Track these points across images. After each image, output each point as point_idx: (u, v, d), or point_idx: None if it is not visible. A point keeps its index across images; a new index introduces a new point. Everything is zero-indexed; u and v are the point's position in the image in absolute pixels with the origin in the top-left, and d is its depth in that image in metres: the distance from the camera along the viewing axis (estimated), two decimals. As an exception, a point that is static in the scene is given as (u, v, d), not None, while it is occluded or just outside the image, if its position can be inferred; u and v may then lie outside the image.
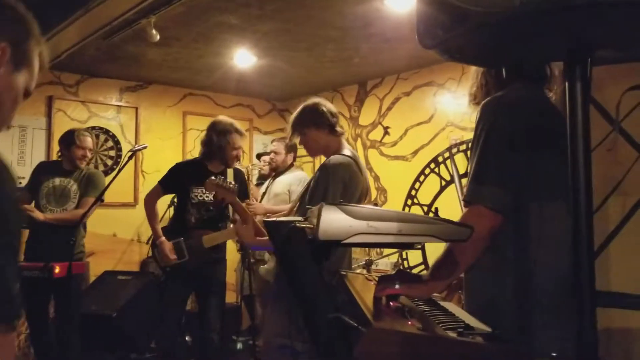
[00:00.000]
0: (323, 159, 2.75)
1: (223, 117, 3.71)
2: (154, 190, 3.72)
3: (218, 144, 3.58)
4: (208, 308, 3.61)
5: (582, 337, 0.96)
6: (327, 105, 2.78)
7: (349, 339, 1.24)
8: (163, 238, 3.58)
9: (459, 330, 1.25)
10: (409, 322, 1.23)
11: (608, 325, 1.68)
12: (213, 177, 3.30)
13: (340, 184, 2.49)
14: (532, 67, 1.62)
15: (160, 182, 3.72)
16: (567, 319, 1.48)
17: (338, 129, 2.74)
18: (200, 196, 3.60)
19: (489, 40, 0.93)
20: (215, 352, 3.58)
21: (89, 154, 3.97)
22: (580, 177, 0.92)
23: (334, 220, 1.17)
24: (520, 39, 0.93)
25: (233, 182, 3.38)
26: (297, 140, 2.84)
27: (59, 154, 4.22)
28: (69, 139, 3.92)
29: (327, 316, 1.29)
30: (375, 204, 5.18)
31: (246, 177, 4.04)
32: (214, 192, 3.40)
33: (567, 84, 0.92)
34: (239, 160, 3.72)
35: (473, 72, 1.75)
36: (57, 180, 3.91)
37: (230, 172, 3.73)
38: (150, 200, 3.71)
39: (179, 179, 3.65)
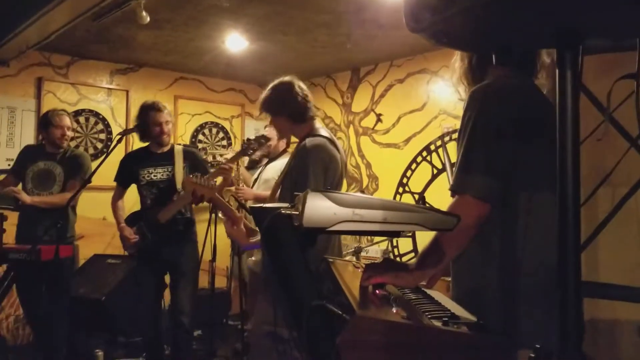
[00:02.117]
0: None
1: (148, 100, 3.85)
2: (115, 191, 3.86)
3: (141, 124, 3.69)
4: (177, 291, 3.63)
5: (566, 328, 0.95)
6: (300, 88, 2.67)
7: (333, 327, 1.23)
8: (123, 224, 3.67)
9: (444, 319, 1.24)
10: (394, 311, 1.22)
11: (595, 316, 1.68)
12: (191, 175, 3.20)
13: (320, 166, 2.45)
14: (521, 55, 1.60)
15: (115, 179, 3.86)
16: (553, 310, 1.48)
17: (310, 114, 2.66)
18: (147, 176, 3.69)
19: (478, 24, 0.91)
20: (185, 336, 3.61)
21: (68, 133, 3.94)
22: (568, 167, 0.90)
23: (318, 207, 1.15)
24: (510, 23, 0.90)
25: (213, 180, 3.27)
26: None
27: (40, 138, 4.17)
28: (46, 121, 3.90)
29: (312, 304, 1.28)
30: (362, 191, 5.18)
31: (202, 156, 4.05)
32: (192, 190, 3.26)
33: (557, 71, 0.90)
34: (167, 135, 3.71)
35: (459, 58, 1.72)
36: (41, 164, 3.89)
37: (178, 150, 3.76)
38: (113, 202, 3.84)
39: (128, 168, 3.78)
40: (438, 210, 1.18)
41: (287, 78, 2.71)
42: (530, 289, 1.48)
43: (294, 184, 2.48)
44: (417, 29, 0.93)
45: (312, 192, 1.15)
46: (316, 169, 2.43)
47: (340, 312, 1.21)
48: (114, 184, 5.46)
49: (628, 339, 1.63)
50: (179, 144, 3.99)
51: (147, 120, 3.67)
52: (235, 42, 4.75)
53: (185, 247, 3.67)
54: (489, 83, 1.56)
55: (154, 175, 3.69)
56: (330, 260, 1.88)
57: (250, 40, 4.72)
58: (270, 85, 2.69)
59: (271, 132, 4.43)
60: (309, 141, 2.52)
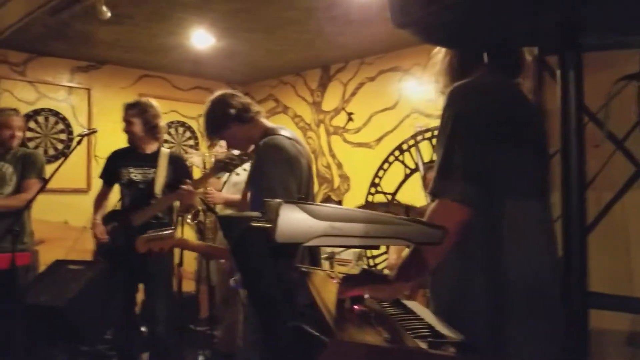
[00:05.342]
0: None
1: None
2: (100, 190, 3.76)
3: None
4: (151, 300, 3.51)
5: (573, 341, 0.88)
6: (231, 93, 2.62)
7: (311, 349, 1.13)
8: (97, 221, 3.56)
9: (430, 340, 1.15)
10: (376, 331, 1.12)
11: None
12: (144, 235, 2.93)
13: (279, 165, 2.31)
14: (506, 54, 1.52)
15: (100, 175, 3.75)
16: (540, 320, 1.41)
17: (255, 109, 2.57)
18: (128, 175, 3.57)
19: (471, 19, 0.82)
20: (161, 344, 3.48)
21: (18, 134, 3.75)
22: (573, 174, 0.81)
23: (293, 220, 1.04)
24: (506, 19, 0.81)
25: (167, 229, 3.04)
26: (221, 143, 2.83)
27: None
28: None
29: (287, 324, 1.17)
30: (329, 197, 5.07)
31: (202, 163, 3.89)
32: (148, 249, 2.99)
33: (559, 72, 0.81)
34: (129, 133, 3.59)
35: (441, 56, 1.63)
36: None
37: (164, 153, 3.63)
38: (97, 199, 3.75)
39: (111, 165, 3.67)
40: (424, 223, 1.09)
41: (215, 93, 2.65)
42: (516, 300, 1.41)
43: (258, 189, 2.36)
44: (405, 24, 0.83)
45: (285, 204, 1.05)
46: (277, 169, 2.30)
47: (318, 334, 1.11)
48: (76, 186, 5.34)
49: (617, 349, 1.57)
50: (167, 148, 3.84)
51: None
52: (201, 38, 4.61)
53: (161, 255, 3.48)
54: (470, 81, 1.46)
55: (135, 176, 3.56)
56: (304, 270, 1.78)
57: (216, 37, 4.59)
58: (205, 110, 2.63)
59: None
60: (263, 142, 2.39)
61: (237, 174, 3.99)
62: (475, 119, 1.41)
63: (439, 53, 1.60)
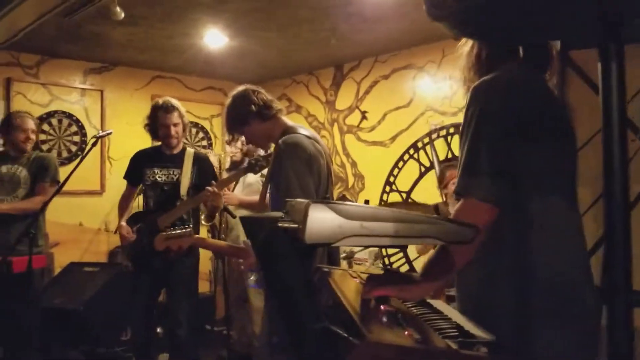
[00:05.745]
0: None
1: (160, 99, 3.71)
2: (125, 191, 3.70)
3: (151, 124, 3.57)
4: (173, 302, 3.47)
5: (617, 340, 0.85)
6: (253, 89, 2.59)
7: (338, 351, 1.11)
8: (123, 223, 3.50)
9: (460, 340, 1.13)
10: (405, 332, 1.10)
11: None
12: (162, 233, 3.03)
13: (300, 164, 2.28)
14: (534, 48, 1.48)
15: (124, 176, 3.70)
16: (569, 320, 1.38)
17: (277, 107, 2.56)
18: (152, 177, 3.53)
19: (511, 12, 0.79)
20: (181, 347, 3.45)
21: (32, 136, 3.78)
22: (616, 169, 0.79)
23: (322, 220, 1.02)
24: (548, 12, 0.79)
25: (186, 226, 3.13)
26: (242, 138, 2.84)
27: (2, 142, 3.98)
28: (9, 123, 3.74)
29: (315, 326, 1.15)
30: (367, 201, 5.04)
31: (217, 164, 3.86)
32: (166, 247, 3.11)
33: (600, 64, 0.79)
34: (174, 138, 3.55)
35: (467, 49, 1.59)
36: (4, 168, 3.69)
37: (189, 153, 3.61)
38: (121, 201, 3.68)
39: (135, 166, 3.62)
40: (454, 221, 1.07)
41: (237, 88, 2.64)
42: (545, 299, 1.38)
43: (276, 188, 2.33)
44: (439, 17, 0.81)
45: (314, 204, 1.03)
46: (296, 168, 2.27)
47: (347, 335, 1.09)
48: (90, 188, 5.36)
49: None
50: (192, 148, 3.83)
51: (156, 121, 3.53)
52: (214, 38, 4.60)
53: (185, 259, 3.44)
54: (495, 76, 1.43)
55: (159, 177, 3.52)
56: (326, 270, 1.76)
57: (230, 36, 4.58)
58: (226, 105, 2.63)
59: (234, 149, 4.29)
60: (282, 141, 2.36)
61: (263, 175, 3.96)
62: (500, 115, 1.38)
63: (465, 45, 1.56)
